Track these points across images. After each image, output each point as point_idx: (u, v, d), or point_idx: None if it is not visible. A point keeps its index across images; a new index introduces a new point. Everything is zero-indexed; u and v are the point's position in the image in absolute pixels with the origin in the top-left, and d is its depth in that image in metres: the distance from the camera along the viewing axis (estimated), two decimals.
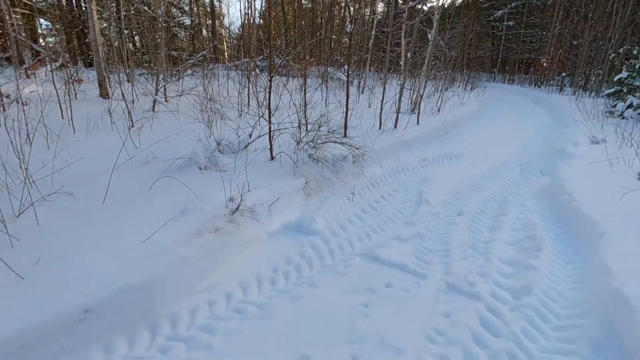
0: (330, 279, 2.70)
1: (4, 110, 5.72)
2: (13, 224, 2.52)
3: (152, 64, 10.63)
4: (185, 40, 14.11)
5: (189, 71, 9.78)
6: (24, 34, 11.68)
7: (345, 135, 5.46)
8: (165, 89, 7.82)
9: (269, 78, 4.35)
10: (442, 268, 2.86)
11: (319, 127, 4.98)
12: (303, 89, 5.76)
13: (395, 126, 6.29)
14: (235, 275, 2.66)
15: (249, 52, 12.33)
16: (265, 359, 2.01)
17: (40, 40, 12.17)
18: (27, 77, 8.51)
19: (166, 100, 7.68)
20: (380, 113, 6.15)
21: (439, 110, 8.21)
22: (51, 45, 12.50)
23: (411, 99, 7.88)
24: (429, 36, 7.35)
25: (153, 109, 6.93)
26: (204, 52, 11.81)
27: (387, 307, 2.44)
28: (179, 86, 8.75)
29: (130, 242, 2.40)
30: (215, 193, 3.24)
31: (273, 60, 11.10)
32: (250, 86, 7.89)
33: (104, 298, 2.04)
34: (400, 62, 7.24)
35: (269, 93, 4.34)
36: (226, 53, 15.07)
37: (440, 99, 8.45)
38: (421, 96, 6.99)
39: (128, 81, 9.48)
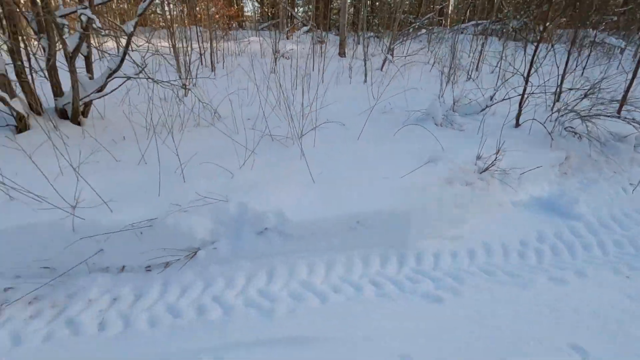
0: (605, 275, 2.15)
1: (276, 62, 7.28)
2: (298, 143, 3.15)
3: (380, 27, 11.15)
4: (411, 3, 14.06)
5: (422, 31, 9.74)
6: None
7: (619, 112, 4.18)
8: (393, 50, 8.05)
9: (538, 37, 3.69)
10: None
11: (585, 96, 3.98)
12: (568, 50, 4.67)
13: None
14: (479, 235, 2.49)
15: (483, 14, 11.12)
16: (526, 333, 1.79)
17: (296, 9, 14.74)
18: (287, 38, 10.51)
19: (392, 61, 7.92)
20: None
21: None
22: (302, 14, 14.93)
23: None
24: None
25: (382, 68, 7.29)
26: (429, 15, 11.44)
27: None
28: (405, 48, 8.88)
29: (390, 174, 2.58)
30: (460, 148, 3.10)
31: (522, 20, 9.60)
32: (483, 50, 7.11)
33: (370, 216, 2.27)
34: None
35: (536, 49, 3.69)
36: (449, 17, 14.16)
37: None
38: None
39: (358, 43, 10.34)
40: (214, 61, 6.64)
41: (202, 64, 6.66)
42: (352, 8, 13.55)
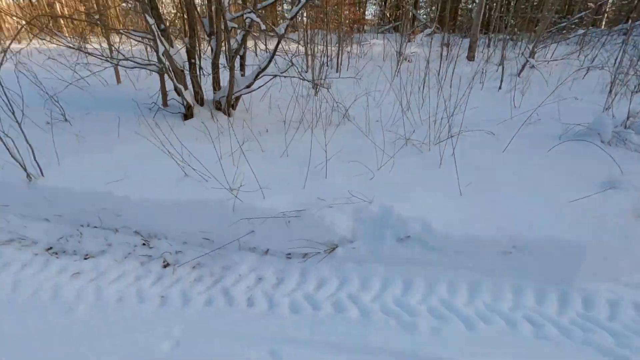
0: None
1: (399, 65, 7.13)
2: (434, 149, 2.97)
3: (517, 28, 10.01)
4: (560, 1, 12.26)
5: (578, 31, 8.44)
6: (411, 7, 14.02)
7: None
8: (534, 54, 7.11)
9: None
10: None
11: None
12: None
13: None
14: None
15: None
16: None
17: (418, 11, 14.29)
18: (409, 41, 10.23)
19: (535, 66, 7.00)
20: None
21: None
22: (425, 15, 14.40)
23: None
24: None
25: (519, 74, 6.49)
26: (582, 14, 9.79)
27: None
28: (548, 51, 7.78)
29: (557, 197, 2.21)
30: None
31: None
32: None
33: (530, 241, 1.97)
34: None
35: None
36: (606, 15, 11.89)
37: None
38: None
39: (488, 46, 9.46)
40: (339, 63, 6.84)
41: (327, 65, 6.93)
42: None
